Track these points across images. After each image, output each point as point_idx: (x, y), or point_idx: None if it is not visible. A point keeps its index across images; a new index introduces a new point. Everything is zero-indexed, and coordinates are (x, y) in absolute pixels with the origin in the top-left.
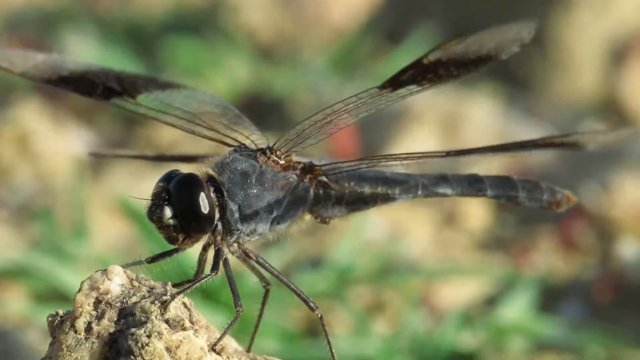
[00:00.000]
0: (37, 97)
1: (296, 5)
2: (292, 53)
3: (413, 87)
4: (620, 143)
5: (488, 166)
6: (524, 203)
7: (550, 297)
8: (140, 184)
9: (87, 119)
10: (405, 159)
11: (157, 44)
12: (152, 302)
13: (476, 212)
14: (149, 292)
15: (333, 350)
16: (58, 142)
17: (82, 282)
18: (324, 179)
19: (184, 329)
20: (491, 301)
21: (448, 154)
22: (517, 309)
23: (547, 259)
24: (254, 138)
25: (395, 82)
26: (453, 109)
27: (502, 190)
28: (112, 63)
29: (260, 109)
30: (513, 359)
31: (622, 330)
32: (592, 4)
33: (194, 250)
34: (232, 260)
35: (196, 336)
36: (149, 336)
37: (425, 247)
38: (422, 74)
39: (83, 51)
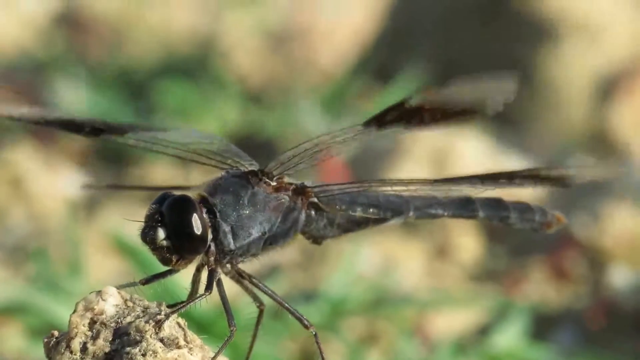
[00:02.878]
0: (30, 139)
1: (286, 50)
2: (282, 96)
3: (399, 129)
4: (607, 178)
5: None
6: (516, 224)
7: (543, 325)
8: (133, 223)
9: (79, 161)
10: (394, 184)
11: (147, 89)
12: (147, 322)
13: (467, 244)
14: (143, 311)
15: None
16: (51, 184)
17: (77, 303)
18: (316, 200)
19: (179, 347)
20: (484, 330)
21: (435, 181)
22: (510, 337)
23: (539, 289)
24: (244, 162)
25: (380, 122)
26: (443, 145)
27: (493, 211)
28: (102, 108)
29: (251, 150)
30: None
31: (614, 356)
32: (579, 39)
33: (187, 273)
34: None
35: (191, 354)
36: (144, 355)
37: (417, 279)
38: (406, 117)
39: (74, 97)
